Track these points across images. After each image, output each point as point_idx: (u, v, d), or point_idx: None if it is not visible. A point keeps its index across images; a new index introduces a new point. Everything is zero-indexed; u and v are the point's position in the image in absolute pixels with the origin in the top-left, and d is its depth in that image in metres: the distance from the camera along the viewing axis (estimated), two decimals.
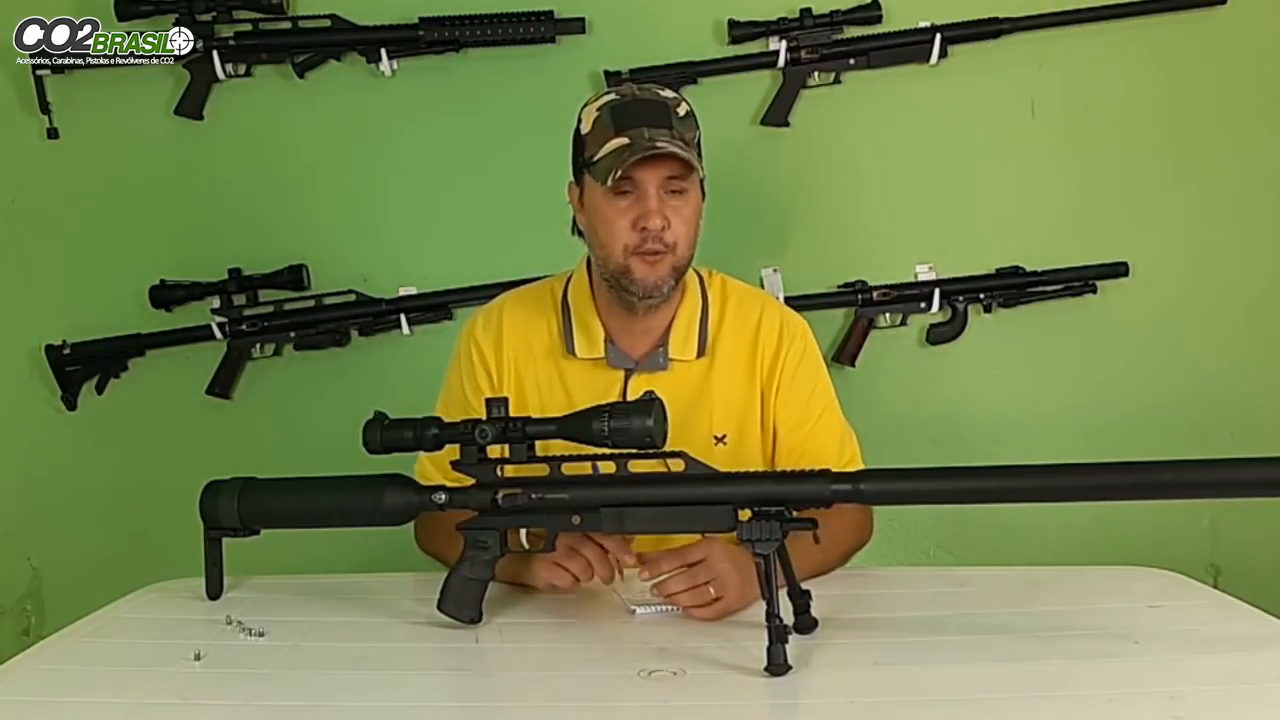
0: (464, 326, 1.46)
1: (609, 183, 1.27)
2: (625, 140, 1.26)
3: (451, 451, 1.17)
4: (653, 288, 1.31)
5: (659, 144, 1.25)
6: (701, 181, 1.35)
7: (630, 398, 1.34)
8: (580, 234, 1.40)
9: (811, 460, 1.27)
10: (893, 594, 1.26)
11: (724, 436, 1.39)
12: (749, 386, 1.39)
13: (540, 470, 1.13)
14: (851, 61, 2.05)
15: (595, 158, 1.29)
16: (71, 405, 2.15)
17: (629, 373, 1.38)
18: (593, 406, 1.09)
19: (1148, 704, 0.89)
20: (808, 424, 1.40)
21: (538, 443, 1.14)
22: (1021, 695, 0.92)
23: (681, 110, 1.31)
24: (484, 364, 1.41)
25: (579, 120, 1.34)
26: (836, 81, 2.07)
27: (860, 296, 2.07)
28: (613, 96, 1.32)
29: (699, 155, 1.32)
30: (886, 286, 2.07)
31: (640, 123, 1.27)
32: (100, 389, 2.15)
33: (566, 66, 2.07)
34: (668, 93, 1.34)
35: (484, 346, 1.42)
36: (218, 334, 2.10)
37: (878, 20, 2.04)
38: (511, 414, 1.12)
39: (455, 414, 1.30)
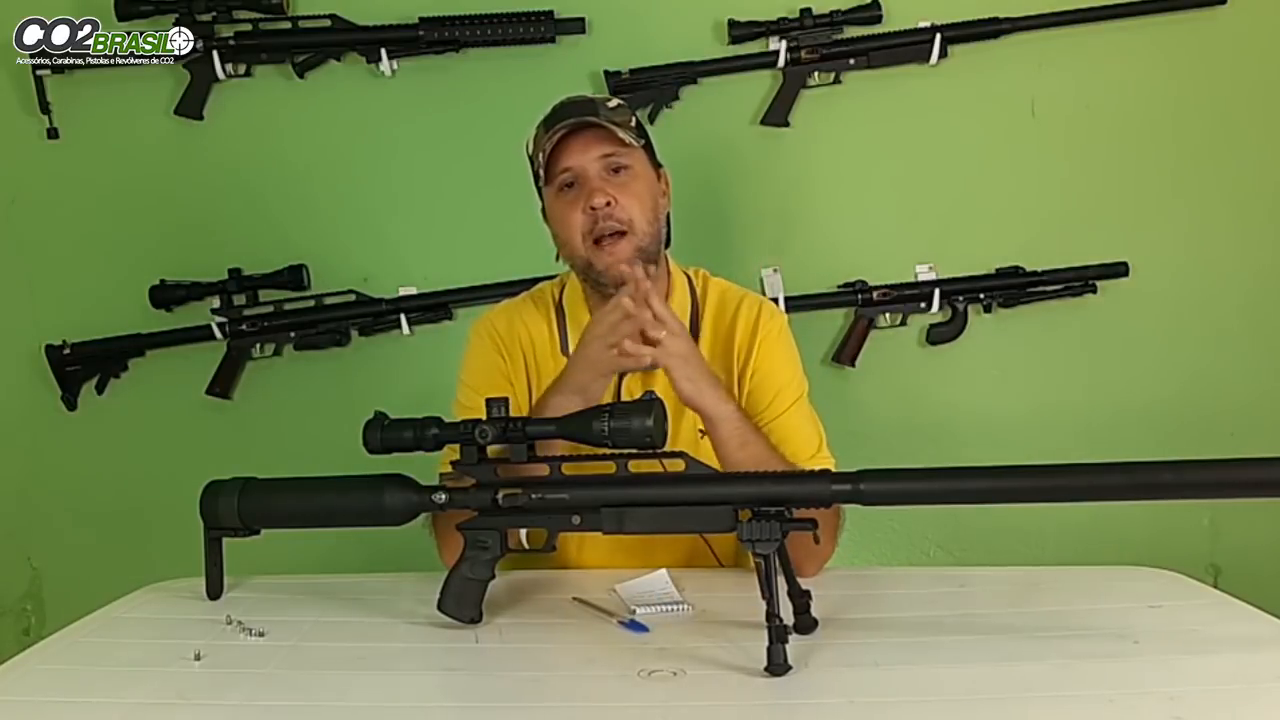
0: (472, 325, 1.48)
1: (544, 174, 1.33)
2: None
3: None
4: (619, 275, 1.31)
5: (585, 118, 1.31)
6: (657, 165, 1.40)
7: (625, 397, 1.37)
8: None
9: (782, 428, 1.36)
10: (893, 594, 1.25)
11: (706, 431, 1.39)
12: (727, 374, 1.40)
13: (540, 470, 1.13)
14: (851, 61, 2.05)
15: (538, 166, 1.35)
16: (71, 405, 2.15)
17: (621, 372, 1.38)
18: (593, 407, 1.09)
19: (1148, 704, 0.89)
20: (790, 392, 1.39)
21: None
22: (1021, 695, 0.92)
23: (612, 103, 1.37)
24: (494, 338, 1.43)
25: (526, 149, 1.40)
26: (836, 81, 2.07)
27: (860, 296, 2.07)
28: (546, 113, 1.38)
29: (642, 138, 1.37)
30: (886, 286, 2.07)
31: (564, 118, 1.33)
32: (100, 389, 2.15)
33: (566, 66, 2.07)
34: (594, 96, 1.40)
35: (499, 328, 1.44)
36: (218, 334, 2.10)
37: (878, 20, 2.04)
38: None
39: (465, 393, 1.41)
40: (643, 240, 1.33)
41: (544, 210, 1.42)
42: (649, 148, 1.40)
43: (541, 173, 1.36)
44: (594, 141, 1.32)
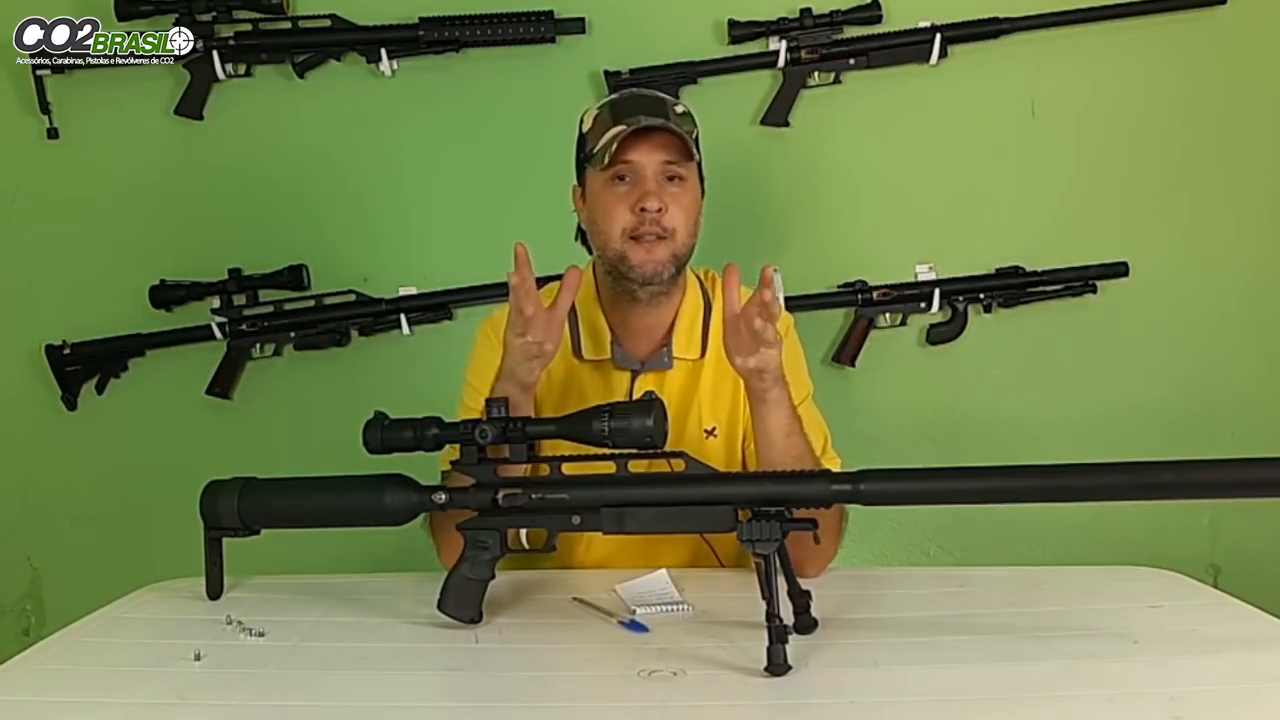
0: (479, 324, 1.47)
1: (606, 160, 1.30)
2: (623, 125, 1.30)
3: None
4: (651, 274, 1.32)
5: (659, 120, 1.30)
6: (702, 179, 1.38)
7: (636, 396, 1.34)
8: (583, 241, 1.43)
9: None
10: (893, 594, 1.26)
11: (714, 429, 1.40)
12: (734, 376, 1.38)
13: (540, 470, 1.13)
14: (851, 61, 2.05)
15: (595, 148, 1.32)
16: (71, 405, 2.15)
17: (635, 374, 1.39)
18: (593, 406, 1.09)
19: (1148, 704, 0.89)
20: (795, 392, 1.36)
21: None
22: (1021, 695, 0.92)
23: (679, 109, 1.36)
24: (501, 339, 1.39)
25: (580, 123, 1.39)
26: (836, 81, 2.07)
27: (860, 296, 2.07)
28: (613, 96, 1.38)
29: (697, 151, 1.36)
30: (886, 286, 2.07)
31: (638, 112, 1.32)
32: (100, 389, 2.15)
33: (566, 66, 2.07)
34: (665, 95, 1.38)
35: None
36: (218, 334, 2.11)
37: (878, 20, 2.04)
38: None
39: (470, 393, 1.39)
40: (679, 249, 1.34)
41: (578, 192, 1.40)
42: (699, 162, 1.40)
43: (595, 151, 1.33)
44: (661, 145, 1.31)
